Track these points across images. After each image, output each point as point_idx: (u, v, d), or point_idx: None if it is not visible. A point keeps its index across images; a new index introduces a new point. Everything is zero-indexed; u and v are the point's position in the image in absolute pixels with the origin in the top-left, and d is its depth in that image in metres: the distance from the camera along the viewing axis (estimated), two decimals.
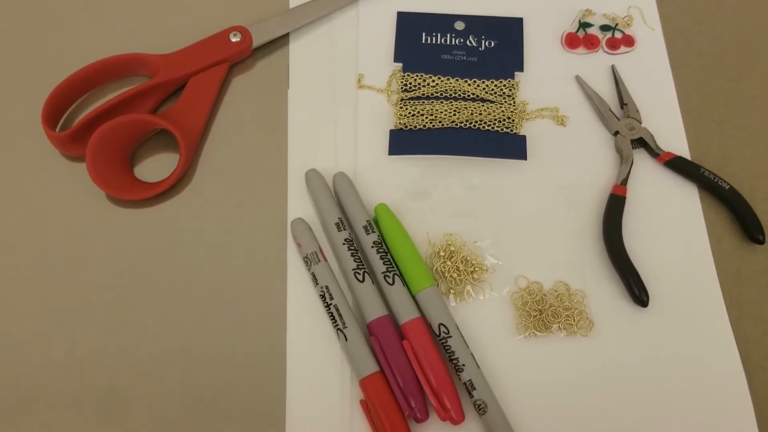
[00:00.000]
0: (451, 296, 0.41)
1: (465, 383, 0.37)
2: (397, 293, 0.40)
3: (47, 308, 0.42)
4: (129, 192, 0.44)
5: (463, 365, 0.38)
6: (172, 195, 0.45)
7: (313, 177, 0.44)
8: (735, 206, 0.44)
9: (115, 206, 0.44)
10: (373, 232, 0.41)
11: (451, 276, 0.41)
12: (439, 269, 0.42)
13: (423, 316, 0.39)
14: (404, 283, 0.40)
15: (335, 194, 0.43)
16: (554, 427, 0.38)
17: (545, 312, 0.41)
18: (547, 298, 0.41)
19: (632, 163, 0.45)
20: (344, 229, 0.41)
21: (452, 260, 0.42)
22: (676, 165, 0.45)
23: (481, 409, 0.37)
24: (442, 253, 0.42)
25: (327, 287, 0.40)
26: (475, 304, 0.42)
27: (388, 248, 0.42)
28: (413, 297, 0.40)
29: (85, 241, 0.43)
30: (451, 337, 0.38)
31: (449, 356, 0.38)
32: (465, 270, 0.41)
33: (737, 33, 0.51)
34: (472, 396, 0.37)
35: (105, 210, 0.44)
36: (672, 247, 0.43)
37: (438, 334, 0.39)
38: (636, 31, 0.51)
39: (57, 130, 0.46)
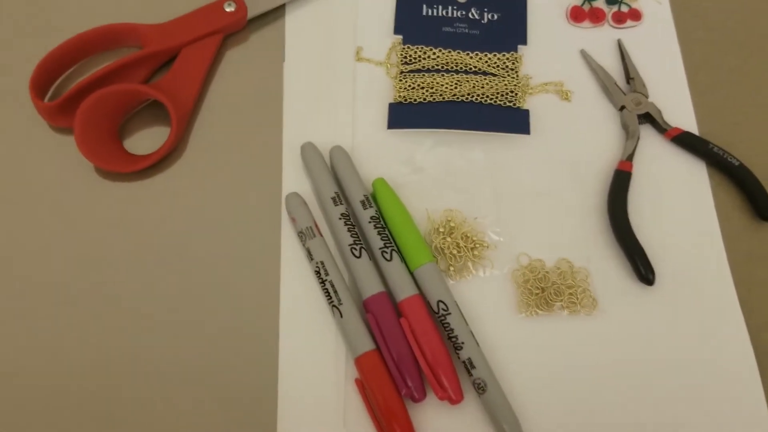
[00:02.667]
0: (451, 273, 0.40)
1: (464, 361, 0.36)
2: (394, 269, 0.38)
3: (33, 285, 0.40)
4: (118, 164, 0.42)
5: (462, 343, 0.36)
6: (162, 168, 0.43)
7: (309, 150, 0.42)
8: (745, 183, 0.42)
9: (103, 179, 0.43)
10: (370, 207, 0.40)
11: (450, 253, 0.40)
12: (438, 246, 0.40)
13: (421, 293, 0.38)
14: (402, 259, 0.39)
15: (332, 168, 0.42)
16: (555, 408, 0.37)
17: (547, 290, 0.39)
18: (549, 276, 0.40)
19: (638, 138, 0.44)
20: (341, 204, 0.40)
21: (452, 236, 0.40)
22: (684, 141, 0.44)
23: (480, 388, 0.36)
24: (441, 230, 0.41)
25: (322, 263, 0.39)
26: (476, 281, 0.40)
27: (385, 224, 0.40)
28: (411, 274, 0.39)
29: (72, 215, 0.42)
30: (450, 314, 0.37)
31: (448, 334, 0.37)
32: (465, 246, 0.40)
33: (745, 7, 0.50)
34: (471, 375, 0.36)
35: (93, 183, 0.43)
36: (679, 225, 0.42)
37: (437, 311, 0.37)
38: (643, 5, 0.49)
39: (46, 100, 0.44)
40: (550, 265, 0.41)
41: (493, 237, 0.41)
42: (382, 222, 0.40)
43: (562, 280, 0.40)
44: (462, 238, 0.40)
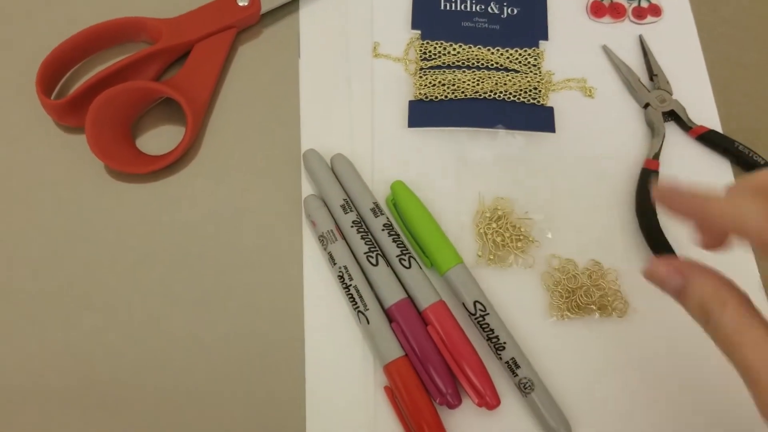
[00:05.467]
0: (489, 260, 0.39)
1: (507, 362, 0.35)
2: (414, 277, 0.37)
3: (43, 290, 0.39)
4: (131, 165, 0.41)
5: (504, 343, 0.35)
6: (177, 169, 0.42)
7: (311, 158, 0.41)
8: None
9: (116, 180, 0.41)
10: (381, 214, 0.39)
11: (493, 240, 0.39)
12: (483, 231, 0.39)
13: (454, 295, 0.37)
14: (420, 265, 0.38)
15: (336, 177, 0.41)
16: (595, 412, 0.36)
17: (578, 292, 0.38)
18: (579, 278, 0.39)
19: (664, 136, 0.43)
20: (351, 211, 0.39)
21: (498, 223, 0.39)
22: (710, 139, 0.43)
23: (526, 387, 0.35)
24: (488, 215, 0.40)
25: (345, 267, 0.37)
26: (504, 277, 0.39)
27: (402, 230, 0.39)
28: (437, 277, 0.38)
29: (83, 218, 0.40)
30: (488, 314, 0.36)
31: (487, 335, 0.36)
32: (511, 236, 0.39)
33: (766, 3, 0.49)
34: (517, 375, 0.35)
35: (106, 184, 0.41)
36: None
37: (474, 312, 0.36)
38: (662, 0, 0.48)
39: (53, 97, 0.42)
40: (578, 265, 0.40)
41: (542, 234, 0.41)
42: (395, 229, 0.39)
43: (591, 282, 0.39)
44: (509, 228, 0.39)
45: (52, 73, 0.42)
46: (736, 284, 0.27)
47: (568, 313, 0.38)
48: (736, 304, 0.26)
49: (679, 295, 0.28)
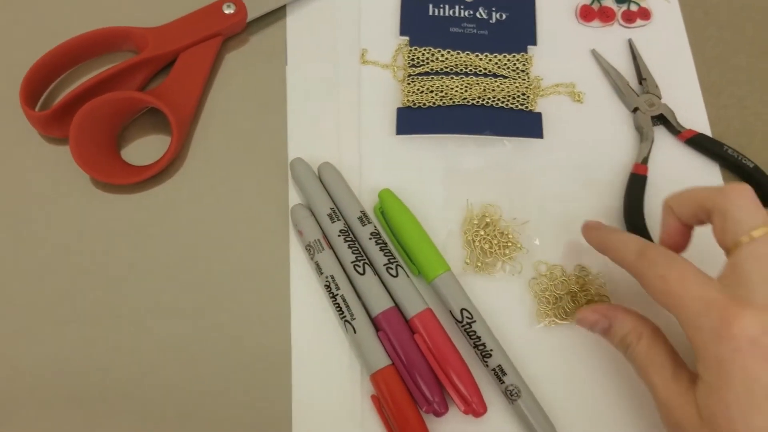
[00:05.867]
0: (477, 268, 0.39)
1: (494, 369, 0.35)
2: (402, 285, 0.37)
3: (30, 303, 0.38)
4: (117, 176, 0.40)
5: (491, 350, 0.35)
6: (163, 179, 0.41)
7: (298, 167, 0.41)
8: (761, 185, 0.42)
9: (101, 192, 0.41)
10: (368, 223, 0.39)
11: (481, 247, 0.39)
12: (470, 238, 0.39)
13: (441, 303, 0.37)
14: (408, 274, 0.38)
15: (323, 186, 0.41)
16: (578, 418, 0.36)
17: (565, 299, 0.38)
18: (566, 283, 0.39)
19: (653, 140, 0.43)
20: (338, 220, 0.39)
21: (486, 230, 0.39)
22: (698, 143, 0.43)
23: (513, 395, 0.35)
24: (476, 221, 0.40)
25: (332, 277, 0.37)
26: (491, 284, 0.39)
27: (389, 238, 0.39)
28: (425, 285, 0.38)
29: (69, 230, 0.40)
30: (475, 321, 0.36)
31: (474, 342, 0.36)
32: (499, 243, 0.39)
33: (755, 4, 0.49)
34: (503, 382, 0.35)
35: (91, 196, 0.41)
36: (695, 229, 0.41)
37: (460, 320, 0.36)
38: (652, 4, 0.48)
39: (37, 109, 0.42)
40: (566, 270, 0.39)
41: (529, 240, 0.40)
42: (383, 238, 0.39)
43: (579, 288, 0.39)
44: (497, 235, 0.39)
45: (36, 85, 0.41)
46: (649, 320, 0.33)
47: (555, 320, 0.38)
48: (648, 336, 0.32)
49: (606, 333, 0.34)
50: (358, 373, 0.37)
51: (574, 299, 0.38)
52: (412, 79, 0.44)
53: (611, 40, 0.47)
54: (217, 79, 0.45)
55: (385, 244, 0.38)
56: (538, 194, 0.42)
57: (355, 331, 0.36)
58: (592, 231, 0.37)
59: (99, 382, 0.37)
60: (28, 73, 0.41)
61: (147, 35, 0.43)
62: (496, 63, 0.44)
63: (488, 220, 0.40)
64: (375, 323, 0.37)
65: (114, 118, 0.41)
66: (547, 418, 0.35)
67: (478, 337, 0.36)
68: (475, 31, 0.45)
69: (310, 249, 0.38)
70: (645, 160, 0.42)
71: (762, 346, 0.26)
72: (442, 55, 0.45)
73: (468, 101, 0.43)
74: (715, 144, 0.43)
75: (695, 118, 0.44)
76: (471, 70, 0.44)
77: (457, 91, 0.43)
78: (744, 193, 0.30)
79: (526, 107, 0.43)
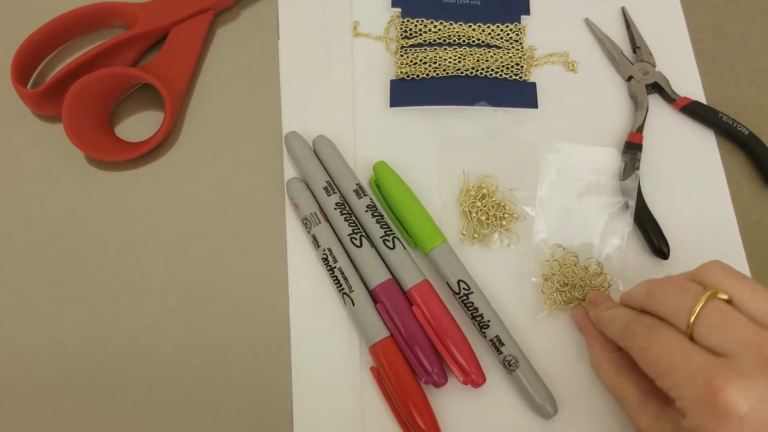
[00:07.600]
0: (474, 239, 0.39)
1: (492, 340, 0.35)
2: (399, 257, 0.37)
3: (25, 281, 0.38)
4: (111, 153, 0.40)
5: (488, 321, 0.36)
6: (157, 156, 0.41)
7: (293, 140, 0.40)
8: (755, 152, 0.42)
9: (95, 169, 0.41)
10: (364, 195, 0.39)
11: (478, 219, 0.39)
12: (467, 209, 0.39)
13: (438, 274, 0.37)
14: (405, 246, 0.38)
15: (319, 159, 0.40)
16: (577, 388, 0.37)
17: (573, 288, 0.38)
18: (576, 272, 0.38)
19: (647, 109, 0.43)
20: (334, 193, 0.39)
21: (482, 201, 0.39)
22: (693, 110, 0.43)
23: (511, 365, 0.35)
24: (473, 193, 0.40)
25: (329, 249, 0.37)
26: (488, 256, 0.39)
27: (385, 210, 0.39)
28: (422, 257, 0.38)
29: (63, 207, 0.40)
30: (472, 293, 0.36)
31: (472, 314, 0.36)
32: (495, 214, 0.39)
33: None
34: (501, 352, 0.35)
35: (85, 173, 0.41)
36: (690, 196, 0.41)
37: (458, 291, 0.36)
38: None
39: (29, 86, 0.42)
40: (560, 242, 0.39)
41: (526, 210, 0.40)
42: (379, 210, 0.39)
43: (584, 272, 0.38)
44: (493, 207, 0.39)
45: (28, 62, 0.41)
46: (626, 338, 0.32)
47: (556, 306, 0.38)
48: (612, 362, 0.34)
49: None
50: (357, 345, 0.37)
51: (579, 288, 0.38)
52: (405, 50, 0.44)
53: (604, 8, 0.46)
54: (210, 54, 0.44)
55: (382, 216, 0.38)
56: (534, 165, 0.42)
57: (353, 304, 0.36)
58: (591, 309, 0.36)
59: (95, 359, 0.37)
60: (19, 50, 0.40)
61: (138, 10, 0.42)
62: (490, 33, 0.44)
63: (485, 191, 0.40)
64: (373, 295, 0.37)
65: (107, 94, 0.41)
66: (545, 387, 0.35)
67: (476, 308, 0.36)
68: (467, 1, 0.45)
69: (306, 222, 0.38)
70: (640, 129, 0.42)
71: (749, 422, 0.26)
72: (435, 26, 0.44)
73: (462, 72, 0.43)
74: (709, 111, 0.43)
75: (690, 85, 0.44)
76: (464, 41, 0.44)
77: (450, 62, 0.43)
78: (666, 286, 0.30)
79: (520, 77, 0.43)
